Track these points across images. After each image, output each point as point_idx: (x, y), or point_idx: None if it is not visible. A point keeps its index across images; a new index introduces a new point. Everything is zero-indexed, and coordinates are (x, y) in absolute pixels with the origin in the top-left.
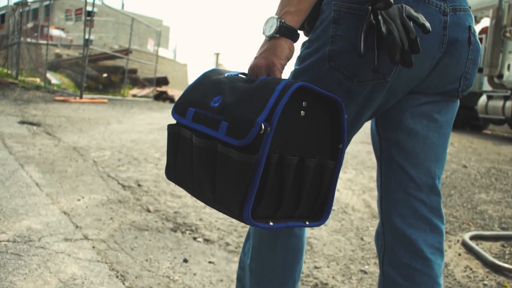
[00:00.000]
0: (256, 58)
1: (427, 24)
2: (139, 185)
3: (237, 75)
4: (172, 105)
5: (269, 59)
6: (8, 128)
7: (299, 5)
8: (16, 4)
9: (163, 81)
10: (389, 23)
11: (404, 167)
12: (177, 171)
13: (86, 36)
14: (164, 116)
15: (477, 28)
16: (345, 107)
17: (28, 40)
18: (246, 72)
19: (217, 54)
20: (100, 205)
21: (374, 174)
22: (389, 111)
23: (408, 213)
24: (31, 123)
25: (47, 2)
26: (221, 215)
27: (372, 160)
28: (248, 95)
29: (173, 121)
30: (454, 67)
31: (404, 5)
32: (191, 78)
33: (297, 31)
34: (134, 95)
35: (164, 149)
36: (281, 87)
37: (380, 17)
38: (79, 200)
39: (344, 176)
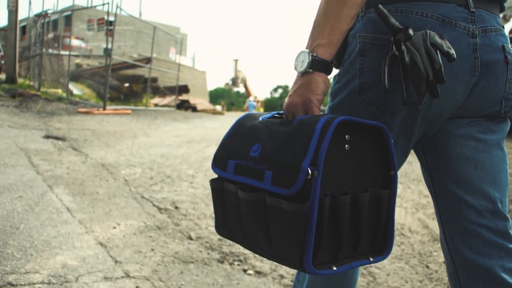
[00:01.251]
0: (290, 96)
1: (452, 52)
2: (176, 208)
3: (272, 116)
4: (194, 114)
5: (305, 96)
6: (33, 144)
7: (330, 37)
8: (37, 15)
9: (184, 89)
10: (413, 53)
11: (460, 195)
12: (227, 226)
13: (109, 46)
14: (190, 127)
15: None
16: None
17: (50, 51)
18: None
19: (236, 61)
20: (137, 233)
21: (421, 188)
22: (433, 140)
23: (476, 241)
24: (56, 138)
25: (67, 13)
26: None
27: (416, 172)
28: (287, 140)
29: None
30: (492, 90)
31: (428, 32)
32: (210, 85)
33: (330, 64)
34: (156, 104)
35: (197, 165)
36: (321, 125)
37: (403, 47)
38: (114, 227)
39: None
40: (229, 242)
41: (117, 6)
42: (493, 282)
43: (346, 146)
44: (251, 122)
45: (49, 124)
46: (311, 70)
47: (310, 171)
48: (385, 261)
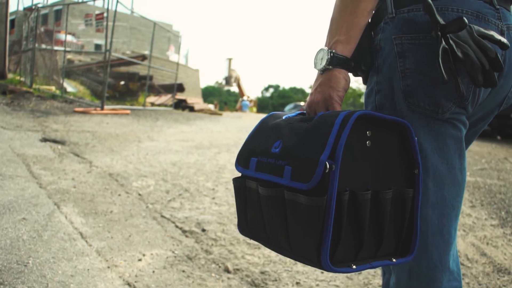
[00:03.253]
0: (311, 94)
1: (504, 40)
2: (203, 230)
3: (295, 115)
4: (194, 115)
5: (326, 93)
6: (31, 149)
7: (349, 33)
8: (27, 9)
9: (179, 88)
10: (462, 46)
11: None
12: (249, 225)
13: (108, 41)
14: (195, 130)
15: None
16: (439, 142)
17: (43, 46)
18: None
19: (230, 60)
20: (168, 266)
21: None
22: None
23: None
24: (55, 141)
25: (58, 7)
26: (321, 276)
27: None
28: (307, 135)
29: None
30: (504, 87)
31: (472, 26)
32: (203, 83)
33: (350, 60)
34: (152, 104)
35: (215, 176)
36: (341, 119)
37: (451, 41)
38: (140, 259)
39: None
40: (273, 276)
41: (117, 1)
42: None
43: (368, 142)
44: (274, 120)
45: (45, 125)
46: (330, 67)
47: (328, 165)
48: None
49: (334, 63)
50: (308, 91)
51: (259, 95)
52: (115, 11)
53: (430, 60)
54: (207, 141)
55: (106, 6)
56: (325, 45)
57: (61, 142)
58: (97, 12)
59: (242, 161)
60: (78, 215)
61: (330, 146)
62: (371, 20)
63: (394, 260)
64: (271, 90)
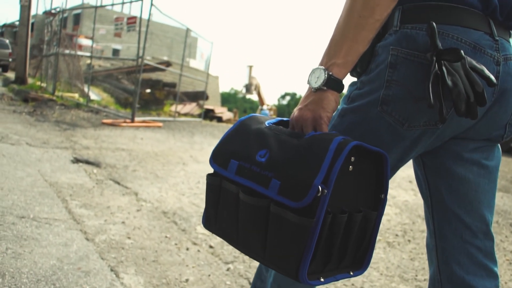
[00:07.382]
0: (301, 109)
1: (492, 77)
2: None
3: (277, 122)
4: (226, 126)
5: (316, 112)
6: (63, 174)
7: (347, 57)
8: (47, 12)
9: (202, 96)
10: (453, 75)
11: (459, 214)
12: (218, 222)
13: (118, 47)
14: None
15: None
16: (391, 149)
17: (67, 51)
18: (285, 118)
19: (250, 67)
20: None
21: None
22: (438, 158)
23: (465, 260)
24: (88, 162)
25: (77, 11)
26: None
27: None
28: (299, 153)
29: None
30: (502, 115)
31: (466, 57)
32: (222, 89)
33: (343, 83)
34: (178, 113)
35: None
36: (335, 146)
37: (444, 68)
38: None
39: None
40: None
41: (151, 4)
42: None
43: (350, 167)
44: (257, 125)
45: (73, 140)
46: (325, 88)
47: (320, 189)
48: None
49: (329, 84)
50: None
51: (276, 102)
52: (149, 15)
53: (419, 79)
54: None
55: (140, 11)
56: (321, 64)
57: (96, 164)
58: (122, 16)
59: (219, 159)
60: None
61: (324, 172)
62: (379, 31)
63: (351, 273)
64: (288, 98)
